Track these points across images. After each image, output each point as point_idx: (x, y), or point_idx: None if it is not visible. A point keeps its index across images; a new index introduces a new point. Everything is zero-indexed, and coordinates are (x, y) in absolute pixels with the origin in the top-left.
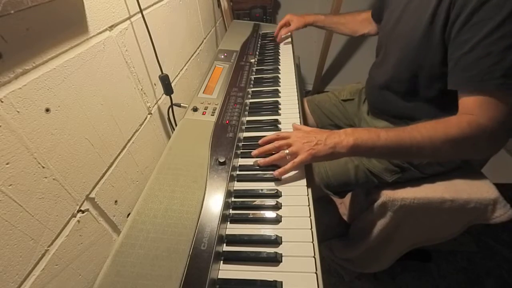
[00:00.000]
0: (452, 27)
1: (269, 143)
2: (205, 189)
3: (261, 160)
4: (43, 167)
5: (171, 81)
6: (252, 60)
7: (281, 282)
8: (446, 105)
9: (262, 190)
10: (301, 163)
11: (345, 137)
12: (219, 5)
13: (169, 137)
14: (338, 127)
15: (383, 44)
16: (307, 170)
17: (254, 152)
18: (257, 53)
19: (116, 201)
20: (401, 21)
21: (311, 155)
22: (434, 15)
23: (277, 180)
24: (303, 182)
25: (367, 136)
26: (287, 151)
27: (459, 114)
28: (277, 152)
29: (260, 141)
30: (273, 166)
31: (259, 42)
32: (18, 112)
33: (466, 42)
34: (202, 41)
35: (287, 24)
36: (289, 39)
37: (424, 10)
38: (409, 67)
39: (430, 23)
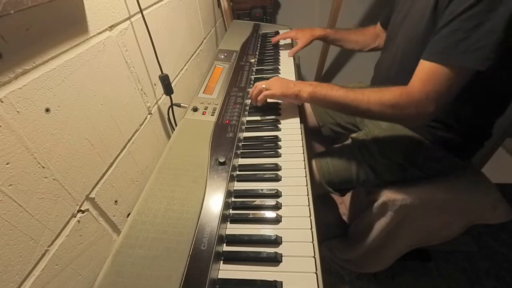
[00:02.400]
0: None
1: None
2: (205, 189)
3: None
4: (43, 167)
5: (171, 81)
6: (252, 60)
7: (281, 282)
8: (454, 99)
9: (262, 190)
10: (271, 95)
11: (309, 86)
12: (219, 5)
13: (169, 137)
14: (341, 126)
15: (389, 41)
16: (308, 168)
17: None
18: (257, 53)
19: (116, 201)
20: (408, 15)
21: (281, 92)
22: (437, 2)
23: (277, 180)
24: (303, 182)
25: (323, 88)
26: (263, 86)
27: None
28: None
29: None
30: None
31: (259, 42)
32: (18, 112)
33: (447, 16)
34: (202, 41)
35: (291, 38)
36: (290, 40)
37: (423, 11)
38: (415, 58)
39: (434, 8)
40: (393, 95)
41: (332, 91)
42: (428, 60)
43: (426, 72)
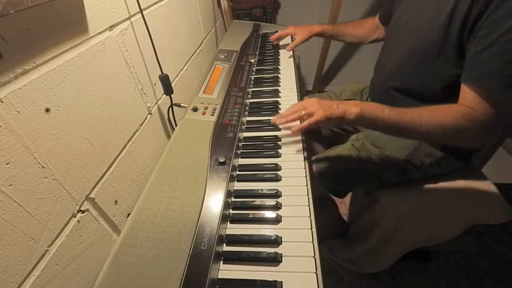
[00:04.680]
0: (474, 23)
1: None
2: (205, 189)
3: (277, 120)
4: (43, 167)
5: (171, 81)
6: (252, 60)
7: (281, 282)
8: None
9: (262, 190)
10: (316, 122)
11: (354, 107)
12: (219, 5)
13: (169, 137)
14: (340, 127)
15: (390, 41)
16: (308, 168)
17: (273, 118)
18: (257, 53)
19: (116, 201)
20: (412, 19)
21: (326, 115)
22: (453, 12)
23: (277, 180)
24: (303, 182)
25: (372, 109)
26: (303, 112)
27: (458, 104)
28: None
29: (278, 116)
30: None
31: (259, 42)
32: (18, 112)
33: (485, 38)
34: (202, 41)
35: (290, 34)
36: (290, 40)
37: (442, 6)
38: (420, 64)
39: (449, 20)
40: (455, 120)
41: (383, 113)
42: (475, 85)
43: (480, 96)
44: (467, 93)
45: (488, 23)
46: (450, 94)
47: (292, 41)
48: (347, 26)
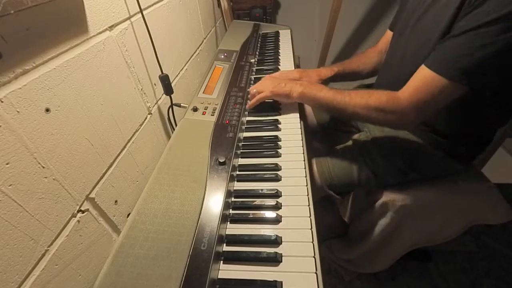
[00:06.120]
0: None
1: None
2: (205, 189)
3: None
4: (43, 167)
5: (171, 81)
6: (252, 60)
7: (281, 282)
8: (456, 111)
9: (262, 190)
10: (263, 97)
11: (299, 87)
12: (219, 5)
13: (169, 137)
14: (341, 126)
15: (398, 41)
16: (308, 168)
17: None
18: (257, 53)
19: (116, 201)
20: (422, 19)
21: (272, 92)
22: (455, 17)
23: (277, 180)
24: (303, 182)
25: (312, 89)
26: (255, 90)
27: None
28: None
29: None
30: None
31: (259, 42)
32: (18, 112)
33: (459, 28)
34: (202, 41)
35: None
36: (290, 40)
37: (442, 15)
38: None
39: (454, 18)
40: (379, 99)
41: (320, 92)
42: (428, 67)
43: (422, 79)
44: (413, 77)
45: (467, 17)
46: (453, 105)
47: (292, 41)
48: (354, 62)
